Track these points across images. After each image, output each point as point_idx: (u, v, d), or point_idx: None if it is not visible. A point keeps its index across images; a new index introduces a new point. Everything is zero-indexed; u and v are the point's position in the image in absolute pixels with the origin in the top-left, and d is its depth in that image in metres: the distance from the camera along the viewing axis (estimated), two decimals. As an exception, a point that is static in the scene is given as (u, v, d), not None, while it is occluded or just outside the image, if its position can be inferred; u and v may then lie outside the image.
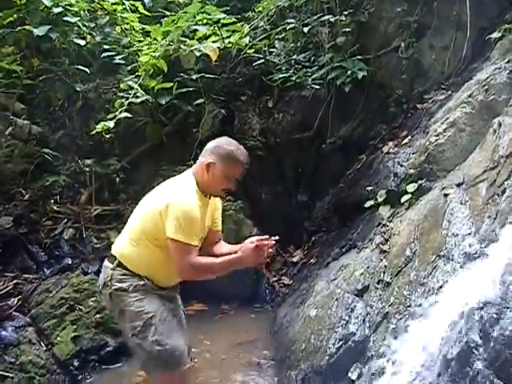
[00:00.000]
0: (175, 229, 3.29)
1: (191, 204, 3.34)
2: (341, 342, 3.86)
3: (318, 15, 5.89)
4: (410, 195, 4.50)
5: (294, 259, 5.70)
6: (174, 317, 3.54)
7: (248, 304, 5.56)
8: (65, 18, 5.63)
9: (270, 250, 3.34)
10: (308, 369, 3.97)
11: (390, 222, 4.51)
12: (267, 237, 3.38)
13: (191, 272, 3.38)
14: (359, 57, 5.59)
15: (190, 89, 5.75)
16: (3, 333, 4.43)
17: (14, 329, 4.51)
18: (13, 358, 4.34)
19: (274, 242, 3.34)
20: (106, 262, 3.53)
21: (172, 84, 5.66)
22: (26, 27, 5.53)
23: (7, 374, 4.26)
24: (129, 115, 5.15)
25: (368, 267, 4.21)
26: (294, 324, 4.60)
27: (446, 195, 3.98)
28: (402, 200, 4.53)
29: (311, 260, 5.41)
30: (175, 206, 3.32)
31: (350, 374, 3.69)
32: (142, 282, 3.44)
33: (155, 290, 3.50)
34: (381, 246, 4.31)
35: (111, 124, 4.97)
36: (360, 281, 4.16)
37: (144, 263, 3.46)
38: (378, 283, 4.00)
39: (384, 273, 4.01)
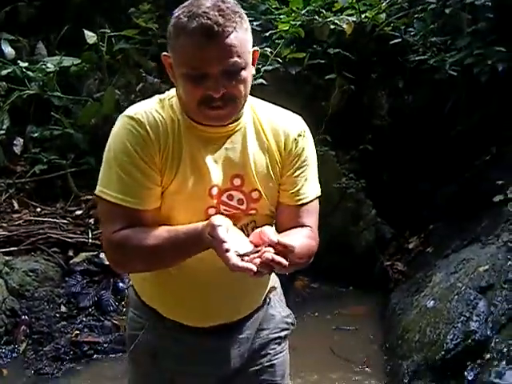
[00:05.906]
0: (100, 175, 1.84)
1: (128, 119, 1.79)
2: (459, 339, 3.71)
3: (460, -6, 5.62)
4: (544, 192, 4.29)
5: (410, 246, 5.55)
6: None
7: (357, 286, 5.44)
8: (203, -20, 5.59)
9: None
10: (421, 361, 3.86)
11: (520, 219, 4.32)
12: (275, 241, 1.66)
13: (110, 251, 1.88)
14: (500, 46, 5.27)
15: (322, 61, 5.65)
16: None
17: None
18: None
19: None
20: None
21: (304, 54, 5.58)
22: (165, -14, 5.58)
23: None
24: (264, 82, 5.05)
25: (494, 264, 4.03)
26: (408, 312, 4.49)
27: None
28: (535, 197, 4.32)
29: (428, 249, 5.25)
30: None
31: (465, 374, 3.58)
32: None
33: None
34: (509, 243, 4.13)
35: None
36: (484, 278, 3.98)
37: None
38: (504, 283, 3.83)
39: (512, 272, 3.85)
